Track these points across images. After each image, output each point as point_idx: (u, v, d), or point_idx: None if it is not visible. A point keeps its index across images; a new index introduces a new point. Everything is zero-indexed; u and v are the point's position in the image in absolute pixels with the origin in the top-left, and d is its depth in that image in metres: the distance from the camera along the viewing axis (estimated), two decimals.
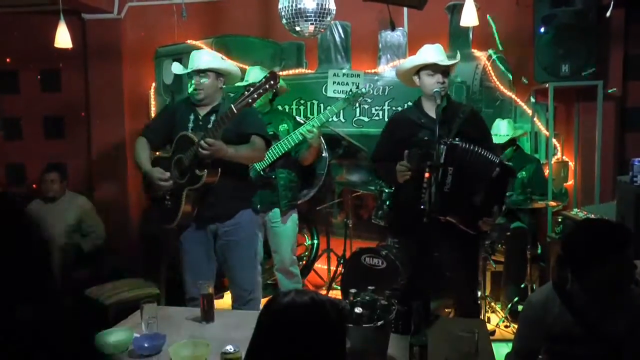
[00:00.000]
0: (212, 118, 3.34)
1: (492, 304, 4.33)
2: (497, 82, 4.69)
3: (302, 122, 4.61)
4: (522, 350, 2.37)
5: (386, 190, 4.26)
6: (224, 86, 3.46)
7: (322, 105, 4.85)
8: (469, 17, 4.01)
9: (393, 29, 2.98)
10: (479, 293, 4.15)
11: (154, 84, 5.49)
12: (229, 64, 3.51)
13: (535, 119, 4.87)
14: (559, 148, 4.95)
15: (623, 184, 3.27)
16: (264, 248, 4.26)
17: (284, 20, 3.25)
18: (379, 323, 2.11)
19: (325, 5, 3.21)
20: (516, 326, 2.57)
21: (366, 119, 4.79)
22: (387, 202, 4.23)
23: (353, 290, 2.29)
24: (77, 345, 1.34)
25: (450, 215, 3.08)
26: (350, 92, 4.17)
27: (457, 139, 3.06)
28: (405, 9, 4.92)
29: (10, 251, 1.27)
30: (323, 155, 4.61)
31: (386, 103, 4.72)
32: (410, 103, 4.59)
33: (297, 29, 3.20)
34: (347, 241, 4.74)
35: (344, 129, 4.73)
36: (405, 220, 3.26)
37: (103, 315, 4.11)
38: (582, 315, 2.19)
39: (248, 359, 1.43)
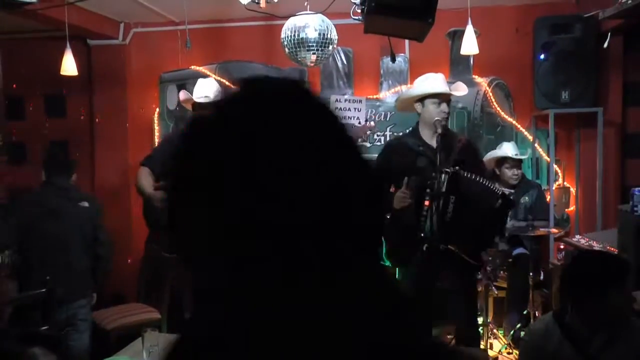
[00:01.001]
0: None
1: (495, 330, 4.30)
2: (498, 108, 4.73)
3: None
4: None
5: (387, 217, 4.25)
6: None
7: None
8: (470, 46, 4.06)
9: (393, 60, 3.03)
10: (480, 320, 4.14)
11: (157, 110, 5.54)
12: None
13: (536, 145, 4.89)
14: (560, 174, 4.97)
15: (624, 213, 3.28)
16: None
17: (287, 50, 3.30)
18: None
19: (327, 35, 3.26)
20: (518, 353, 2.56)
21: (368, 145, 4.82)
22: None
23: None
24: None
25: (452, 243, 3.08)
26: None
27: (457, 167, 3.07)
28: None
29: None
30: None
31: (388, 128, 4.76)
32: (411, 129, 4.66)
33: (300, 58, 3.25)
34: None
35: None
36: (404, 248, 3.25)
37: (105, 341, 4.11)
38: (583, 347, 2.19)
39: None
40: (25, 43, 5.94)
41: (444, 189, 2.99)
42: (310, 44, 3.20)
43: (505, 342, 4.19)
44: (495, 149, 4.50)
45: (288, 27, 3.25)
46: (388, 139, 4.74)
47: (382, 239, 3.90)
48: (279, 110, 0.78)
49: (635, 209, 3.06)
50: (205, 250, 0.76)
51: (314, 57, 3.24)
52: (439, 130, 3.14)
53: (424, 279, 3.11)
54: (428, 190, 2.99)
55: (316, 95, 0.83)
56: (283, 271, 0.72)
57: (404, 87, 4.85)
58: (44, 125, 6.10)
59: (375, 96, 4.91)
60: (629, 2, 3.58)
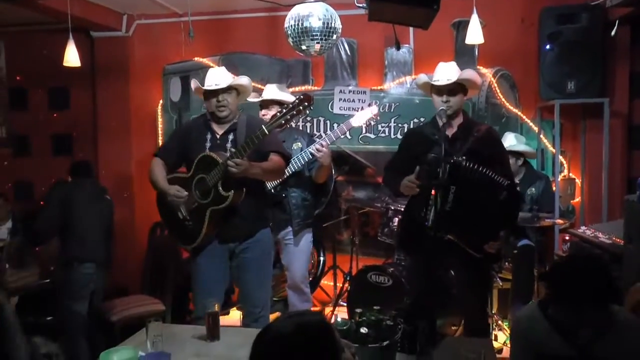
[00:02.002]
0: (230, 137, 3.34)
1: (500, 321, 4.29)
2: (503, 99, 4.69)
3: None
4: None
5: (392, 208, 4.25)
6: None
7: (328, 122, 4.87)
8: (475, 35, 4.02)
9: (398, 48, 3.01)
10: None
11: (161, 101, 5.54)
12: (249, 81, 3.50)
13: (541, 136, 4.87)
14: (565, 165, 4.94)
15: (630, 203, 3.25)
16: (274, 264, 4.23)
17: (290, 39, 3.27)
18: (385, 343, 2.11)
19: (331, 24, 3.24)
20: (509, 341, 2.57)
21: (372, 136, 4.80)
22: (394, 219, 4.22)
23: (359, 310, 2.28)
24: None
25: (451, 233, 3.06)
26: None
27: (463, 157, 3.05)
28: None
29: None
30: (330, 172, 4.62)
31: (392, 120, 4.73)
32: (416, 120, 4.65)
33: (303, 47, 3.23)
34: (353, 258, 4.73)
35: (350, 146, 4.74)
36: (412, 236, 3.26)
37: (109, 332, 4.12)
38: (572, 338, 2.18)
39: None
40: (29, 35, 5.94)
41: (446, 178, 2.98)
42: (314, 33, 3.18)
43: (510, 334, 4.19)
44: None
45: (292, 17, 3.23)
46: (392, 130, 4.72)
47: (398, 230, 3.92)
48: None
49: None
50: None
51: (317, 47, 3.22)
52: (444, 120, 3.13)
53: (430, 269, 3.11)
54: (434, 180, 2.98)
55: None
56: None
57: (408, 78, 4.83)
58: (48, 117, 6.11)
59: (379, 87, 4.89)
60: None
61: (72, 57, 4.40)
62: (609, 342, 2.15)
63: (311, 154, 3.93)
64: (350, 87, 4.80)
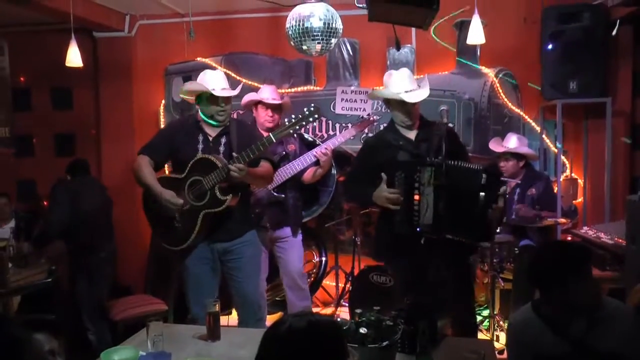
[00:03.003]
0: (224, 140, 3.35)
1: (501, 322, 4.29)
2: (506, 99, 4.69)
3: (309, 140, 4.63)
4: None
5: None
6: None
7: (330, 122, 4.87)
8: (476, 35, 4.02)
9: (399, 48, 3.01)
10: (487, 312, 4.13)
11: (163, 101, 5.55)
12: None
13: (544, 135, 4.86)
14: (567, 165, 4.93)
15: (633, 203, 3.24)
16: (270, 267, 4.26)
17: (292, 40, 3.28)
18: (384, 343, 2.11)
19: (332, 24, 3.23)
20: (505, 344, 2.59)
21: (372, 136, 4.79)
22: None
23: (358, 311, 2.28)
24: None
25: (449, 233, 3.06)
26: (362, 119, 4.22)
27: (440, 157, 3.03)
28: None
29: None
30: (332, 172, 4.63)
31: None
32: None
33: (304, 48, 3.23)
34: (355, 258, 4.73)
35: (352, 146, 4.74)
36: (399, 243, 3.18)
37: (112, 331, 4.14)
38: (565, 333, 2.19)
39: None
40: (32, 36, 5.96)
41: (432, 182, 2.97)
42: (315, 34, 3.18)
43: None
44: (502, 140, 4.46)
45: (293, 17, 3.23)
46: None
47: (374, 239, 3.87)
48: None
49: None
50: None
51: (318, 47, 3.22)
52: (445, 120, 3.17)
53: (420, 272, 3.12)
54: (417, 185, 2.97)
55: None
56: None
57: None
58: (51, 117, 6.12)
59: (381, 87, 4.88)
60: None
61: (74, 57, 4.42)
62: (601, 332, 2.17)
63: (314, 156, 3.97)
64: (352, 88, 4.81)
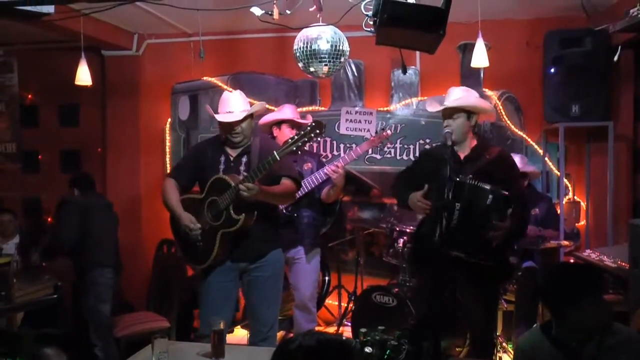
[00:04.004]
0: (244, 159, 3.38)
1: (504, 343, 4.28)
2: (508, 122, 4.73)
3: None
4: None
5: (397, 229, 4.28)
6: None
7: (335, 142, 4.91)
8: (480, 58, 4.08)
9: (405, 72, 3.05)
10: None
11: (169, 120, 5.60)
12: (263, 106, 3.54)
13: (546, 158, 4.89)
14: (570, 188, 4.95)
15: (635, 227, 3.26)
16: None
17: (299, 61, 3.32)
18: None
19: (339, 46, 3.28)
20: None
21: (378, 157, 4.84)
22: (399, 240, 4.26)
23: (363, 330, 2.30)
24: None
25: (456, 249, 3.09)
26: (377, 133, 4.24)
27: (470, 176, 3.11)
28: None
29: None
30: None
31: (398, 141, 4.78)
32: (422, 141, 4.70)
33: (312, 69, 3.27)
34: (358, 278, 4.74)
35: (356, 167, 4.78)
36: (422, 252, 3.34)
37: (115, 348, 4.14)
38: (574, 357, 2.19)
39: None
40: (40, 54, 6.04)
41: (450, 197, 3.04)
42: (323, 56, 3.22)
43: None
44: None
45: (300, 39, 3.28)
46: (398, 151, 4.76)
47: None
48: None
49: None
50: None
51: (325, 69, 3.26)
52: (448, 142, 3.20)
53: (436, 288, 3.15)
54: (443, 199, 3.06)
55: None
56: None
57: (414, 100, 4.88)
58: (57, 134, 6.18)
59: (385, 108, 4.94)
60: None
61: (84, 76, 4.48)
62: (611, 357, 2.16)
63: (325, 174, 3.98)
64: (356, 108, 4.85)
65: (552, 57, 4.60)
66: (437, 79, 4.93)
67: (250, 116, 3.40)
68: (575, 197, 4.99)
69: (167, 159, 5.59)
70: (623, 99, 4.77)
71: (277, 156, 3.11)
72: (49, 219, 5.66)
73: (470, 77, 4.75)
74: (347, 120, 4.75)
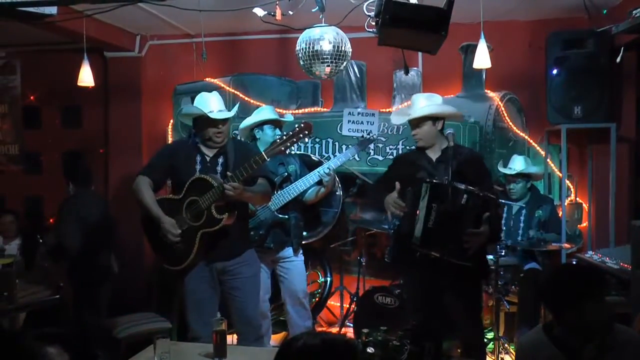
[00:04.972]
0: (220, 160, 3.39)
1: (506, 345, 4.28)
2: (510, 123, 4.73)
3: (316, 160, 4.67)
4: None
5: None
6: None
7: (337, 143, 4.91)
8: (482, 59, 4.07)
9: (407, 73, 3.06)
10: (492, 334, 4.12)
11: (171, 121, 5.60)
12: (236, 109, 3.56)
13: (548, 160, 4.89)
14: (572, 190, 4.95)
15: (638, 229, 3.26)
16: (273, 287, 4.26)
17: (301, 62, 3.33)
18: None
19: (341, 47, 3.29)
20: None
21: (380, 158, 4.84)
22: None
23: (365, 330, 2.30)
24: None
25: (434, 250, 3.10)
26: (362, 138, 4.27)
27: (445, 177, 3.13)
28: None
29: None
30: (337, 193, 4.66)
31: (400, 142, 4.77)
32: None
33: (314, 70, 3.28)
34: (360, 279, 4.73)
35: (358, 168, 4.78)
36: (404, 254, 3.33)
37: (116, 349, 4.13)
38: (577, 355, 2.19)
39: None
40: (43, 55, 6.05)
41: (427, 199, 3.05)
42: (325, 57, 3.23)
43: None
44: (507, 163, 4.50)
45: (303, 40, 3.28)
46: (400, 152, 4.76)
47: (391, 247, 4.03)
48: None
49: None
50: None
51: (328, 70, 3.27)
52: (450, 143, 3.24)
53: (427, 291, 3.20)
54: (418, 200, 3.09)
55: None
56: None
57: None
58: (60, 135, 6.19)
59: (387, 109, 4.94)
60: None
61: (86, 77, 4.48)
62: (612, 358, 2.16)
63: (319, 175, 4.00)
64: (359, 109, 4.85)
65: (555, 59, 4.60)
66: (439, 80, 4.92)
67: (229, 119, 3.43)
68: (578, 199, 4.98)
69: None
70: (626, 101, 4.76)
71: (265, 157, 3.13)
72: (51, 221, 5.66)
73: (472, 78, 4.76)
74: (349, 121, 4.75)
